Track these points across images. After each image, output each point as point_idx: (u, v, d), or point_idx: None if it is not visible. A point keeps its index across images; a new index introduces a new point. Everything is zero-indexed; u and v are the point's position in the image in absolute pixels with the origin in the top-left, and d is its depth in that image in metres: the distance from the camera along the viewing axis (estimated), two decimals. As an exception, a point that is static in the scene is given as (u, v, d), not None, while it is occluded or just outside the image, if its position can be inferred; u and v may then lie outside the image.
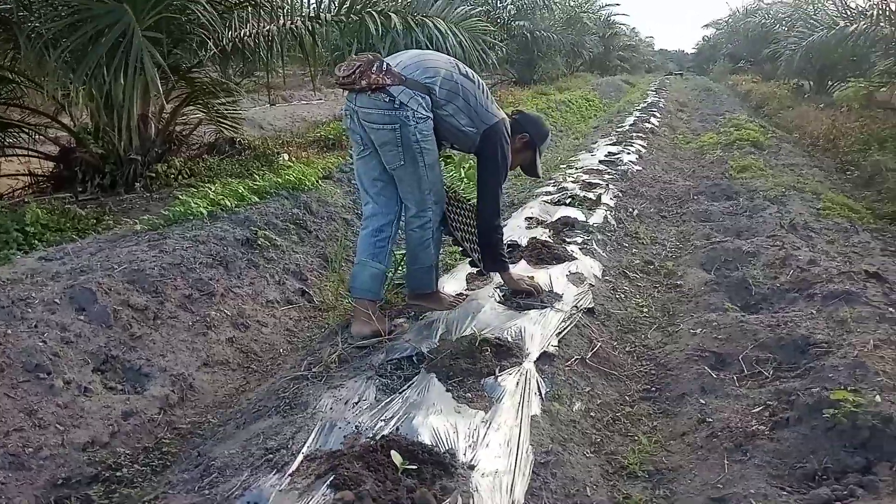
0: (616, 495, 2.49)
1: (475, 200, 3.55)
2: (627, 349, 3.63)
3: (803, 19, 15.60)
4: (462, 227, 3.48)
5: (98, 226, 5.13)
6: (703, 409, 2.92)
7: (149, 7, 5.03)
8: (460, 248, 3.61)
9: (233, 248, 4.28)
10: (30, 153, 6.76)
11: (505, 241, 3.71)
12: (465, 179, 5.72)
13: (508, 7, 16.72)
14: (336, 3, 7.68)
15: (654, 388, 3.25)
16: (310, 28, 7.25)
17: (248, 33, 7.14)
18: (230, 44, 6.97)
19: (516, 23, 16.66)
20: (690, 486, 2.49)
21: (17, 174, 6.56)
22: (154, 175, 6.51)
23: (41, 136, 6.87)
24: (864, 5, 11.89)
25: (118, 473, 2.61)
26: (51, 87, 5.70)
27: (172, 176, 6.60)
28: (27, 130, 6.75)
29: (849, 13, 11.88)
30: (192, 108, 8.10)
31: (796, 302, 3.83)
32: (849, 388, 2.65)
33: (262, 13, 7.38)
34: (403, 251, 3.60)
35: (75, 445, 2.68)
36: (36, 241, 4.63)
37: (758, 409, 2.79)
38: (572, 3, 24.48)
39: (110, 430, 2.82)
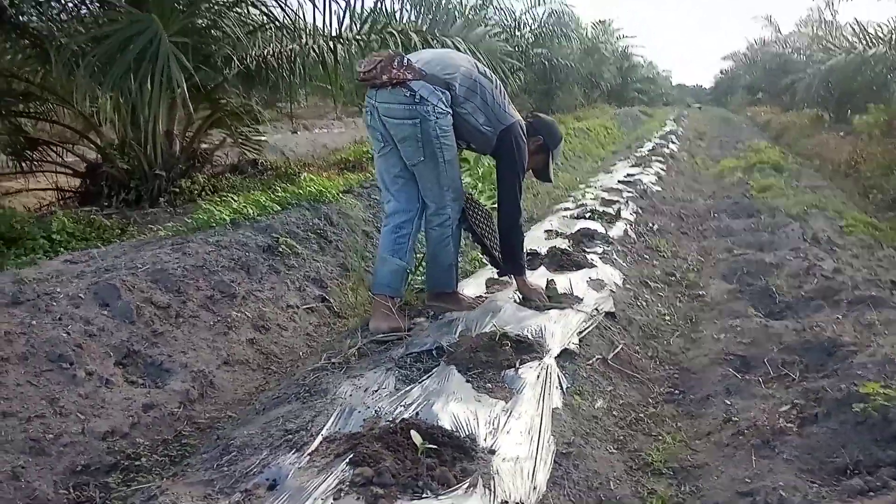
0: (640, 490, 2.44)
1: (491, 203, 3.56)
2: (650, 354, 3.58)
3: (821, 45, 15.58)
4: (482, 225, 3.48)
5: (122, 235, 5.18)
6: (729, 410, 2.87)
7: (175, 16, 5.15)
8: (480, 247, 3.60)
9: (254, 253, 4.29)
10: (57, 170, 6.88)
11: (525, 248, 3.70)
12: (481, 179, 5.66)
13: (527, 35, 16.90)
14: (357, 22, 7.80)
15: (677, 391, 3.20)
16: (331, 47, 7.34)
17: (271, 52, 7.25)
18: (254, 62, 7.08)
19: (534, 50, 16.82)
20: (717, 482, 2.43)
21: (45, 188, 6.67)
22: (178, 190, 6.58)
23: (69, 153, 6.99)
24: (883, 30, 11.88)
25: (137, 463, 2.60)
26: (79, 98, 5.81)
27: (196, 192, 6.66)
28: (55, 147, 6.89)
29: (867, 37, 11.86)
30: (215, 129, 8.25)
31: (822, 309, 3.76)
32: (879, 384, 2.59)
33: (286, 32, 7.51)
34: (423, 252, 3.59)
35: (95, 434, 2.67)
36: (61, 249, 4.68)
37: (785, 408, 2.72)
38: (590, 35, 24.66)
39: (130, 422, 2.80)
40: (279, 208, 5.07)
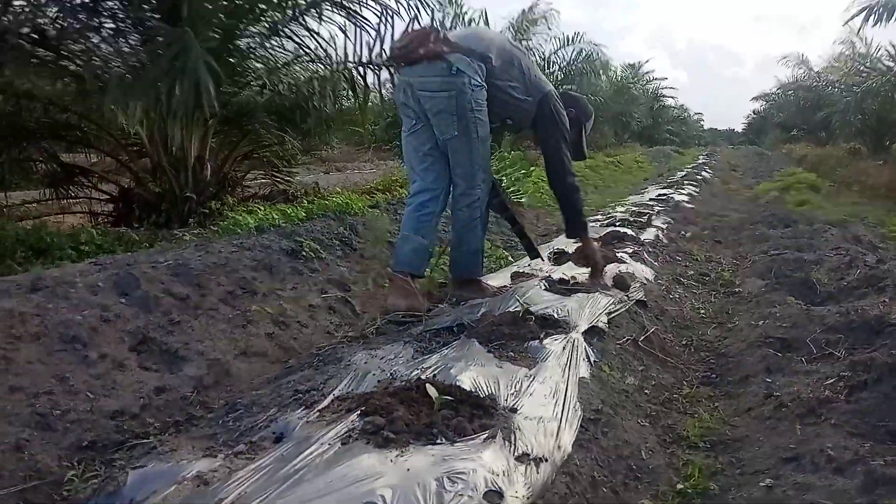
0: (674, 462, 2.26)
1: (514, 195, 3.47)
2: (684, 342, 3.41)
3: (856, 71, 15.34)
4: (512, 206, 3.39)
5: (150, 249, 5.18)
6: (770, 387, 2.67)
7: (209, 30, 5.24)
8: (512, 227, 3.49)
9: (277, 255, 4.23)
10: (91, 196, 6.98)
11: (551, 248, 3.60)
12: (507, 168, 5.47)
13: (556, 73, 16.97)
14: (387, 50, 7.87)
15: (714, 375, 3.02)
16: (362, 73, 7.41)
17: (302, 79, 7.35)
18: (286, 87, 7.18)
19: (563, 87, 16.87)
20: (758, 451, 2.24)
21: (78, 212, 6.76)
22: (207, 212, 6.61)
23: (105, 180, 7.11)
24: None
25: (145, 441, 2.49)
26: (113, 121, 5.91)
27: (226, 212, 6.69)
28: (91, 176, 7.01)
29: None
30: (248, 162, 8.35)
31: (866, 296, 3.54)
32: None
33: (318, 62, 7.62)
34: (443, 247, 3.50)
35: (104, 413, 2.57)
36: (88, 259, 4.68)
37: (831, 381, 2.53)
38: (620, 75, 24.73)
39: (141, 403, 2.71)
40: (305, 217, 5.04)
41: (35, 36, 5.38)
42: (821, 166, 17.31)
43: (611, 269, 3.78)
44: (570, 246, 4.46)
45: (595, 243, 3.56)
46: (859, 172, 13.22)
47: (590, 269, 3.53)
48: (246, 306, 3.65)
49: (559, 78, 16.99)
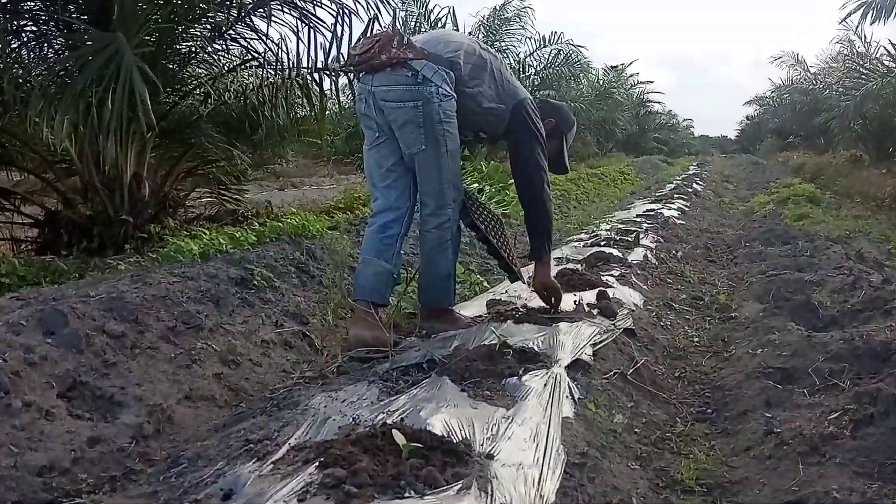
0: (669, 508, 2.28)
1: (501, 209, 3.49)
2: (677, 374, 3.46)
3: (854, 72, 15.71)
4: (488, 224, 3.40)
5: (80, 280, 5.11)
6: (770, 422, 2.72)
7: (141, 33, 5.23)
8: (487, 248, 3.51)
9: (225, 285, 4.21)
10: (13, 220, 6.87)
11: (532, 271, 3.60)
12: (486, 180, 5.48)
13: (532, 77, 17.15)
14: (345, 55, 7.91)
15: (709, 410, 3.06)
16: (317, 79, 7.43)
17: (251, 86, 7.35)
18: (232, 96, 7.17)
19: (541, 93, 17.04)
20: (759, 494, 2.28)
21: (-1, 239, 6.65)
22: (146, 236, 6.54)
23: (29, 202, 7.00)
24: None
25: (77, 500, 2.45)
26: (38, 137, 5.84)
27: (167, 237, 6.62)
28: (12, 198, 6.90)
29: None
30: (190, 177, 8.30)
31: (872, 320, 3.63)
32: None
33: (267, 68, 7.63)
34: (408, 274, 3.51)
35: (30, 468, 2.52)
36: (10, 294, 4.60)
37: (835, 415, 2.57)
38: (602, 78, 25.07)
39: (72, 457, 2.66)
40: (256, 241, 5.02)
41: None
42: (820, 176, 17.69)
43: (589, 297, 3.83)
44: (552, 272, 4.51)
45: (550, 272, 3.53)
46: (861, 182, 13.52)
47: (552, 299, 3.50)
48: (190, 344, 3.61)
49: (536, 83, 17.20)
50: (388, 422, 2.13)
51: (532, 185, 3.34)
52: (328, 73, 7.64)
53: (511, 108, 3.25)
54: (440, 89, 3.03)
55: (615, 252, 5.22)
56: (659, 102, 37.87)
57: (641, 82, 31.71)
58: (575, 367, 2.86)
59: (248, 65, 7.76)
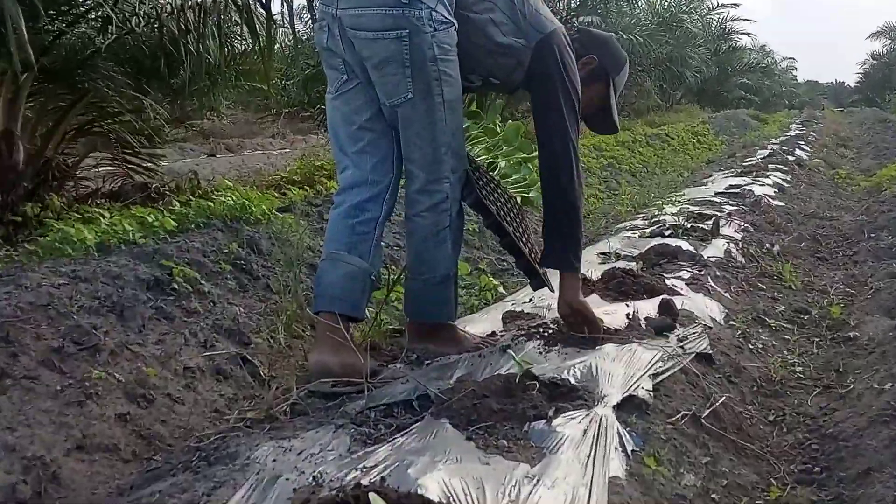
0: None
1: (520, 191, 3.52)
2: (771, 418, 3.50)
3: None
4: (500, 203, 3.42)
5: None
6: (903, 488, 2.74)
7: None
8: (501, 239, 3.52)
9: (133, 289, 4.25)
10: None
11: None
12: (501, 146, 5.37)
13: (568, -3, 17.20)
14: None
15: (817, 468, 3.09)
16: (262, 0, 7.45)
17: (169, 8, 7.35)
18: (143, 23, 7.18)
19: (580, 20, 17.03)
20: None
21: None
22: (20, 220, 6.56)
23: None
24: None
25: None
26: None
27: (50, 220, 6.64)
28: None
29: None
30: (84, 137, 8.31)
31: None
32: None
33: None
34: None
35: None
36: None
37: None
38: (667, 1, 25.07)
39: None
40: (177, 227, 5.05)
41: None
42: None
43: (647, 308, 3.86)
44: (594, 272, 4.54)
45: (580, 287, 3.50)
46: None
47: (585, 326, 3.44)
48: (84, 372, 3.65)
49: (573, 5, 17.23)
50: (364, 482, 2.15)
51: (556, 174, 3.30)
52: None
53: (536, 44, 3.24)
54: (434, 13, 3.01)
55: (685, 245, 5.25)
56: (748, 34, 37.88)
57: (723, 5, 31.81)
58: (627, 406, 2.88)
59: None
